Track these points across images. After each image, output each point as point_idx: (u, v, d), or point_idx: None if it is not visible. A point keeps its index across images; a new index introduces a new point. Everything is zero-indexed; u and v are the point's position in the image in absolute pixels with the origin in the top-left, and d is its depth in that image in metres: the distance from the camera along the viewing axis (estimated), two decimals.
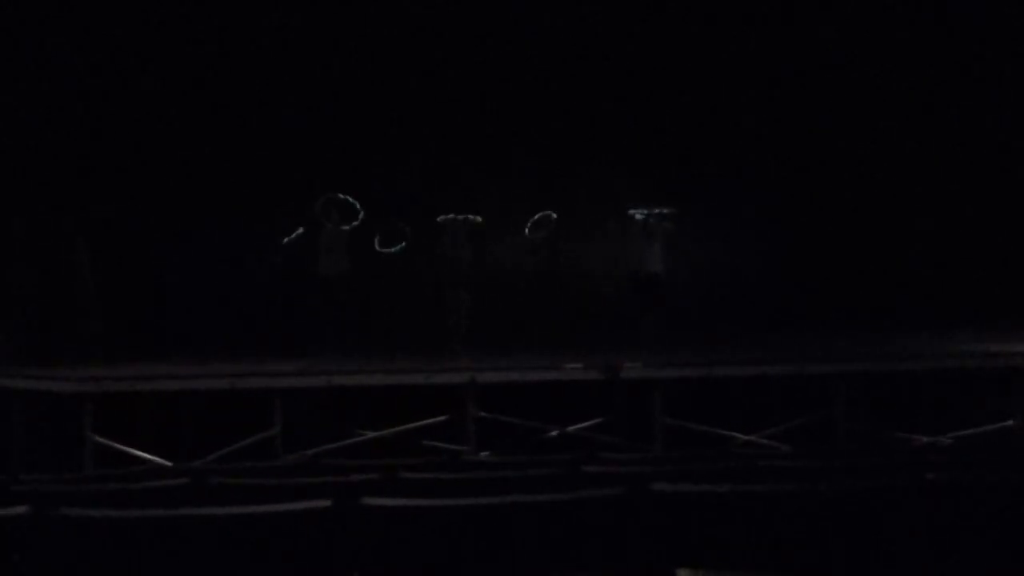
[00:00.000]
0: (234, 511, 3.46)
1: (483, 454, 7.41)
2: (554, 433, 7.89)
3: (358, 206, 11.03)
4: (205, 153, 12.25)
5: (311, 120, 12.51)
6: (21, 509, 3.35)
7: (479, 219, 11.37)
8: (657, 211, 10.91)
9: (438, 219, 11.34)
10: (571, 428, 7.94)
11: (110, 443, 7.32)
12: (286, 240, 10.96)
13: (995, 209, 12.62)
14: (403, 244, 11.63)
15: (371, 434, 7.85)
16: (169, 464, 6.76)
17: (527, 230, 11.77)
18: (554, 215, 11.75)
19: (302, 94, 12.53)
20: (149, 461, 7.14)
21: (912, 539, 3.59)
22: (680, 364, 8.29)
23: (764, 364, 8.18)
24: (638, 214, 10.86)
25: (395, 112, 12.69)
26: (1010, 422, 7.93)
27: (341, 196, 10.93)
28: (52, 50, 11.70)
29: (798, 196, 12.82)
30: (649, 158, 12.86)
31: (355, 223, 11.01)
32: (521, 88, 12.87)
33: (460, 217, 11.23)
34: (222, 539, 3.40)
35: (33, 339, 9.94)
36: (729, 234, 12.59)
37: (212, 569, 3.40)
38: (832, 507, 3.68)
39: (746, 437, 7.86)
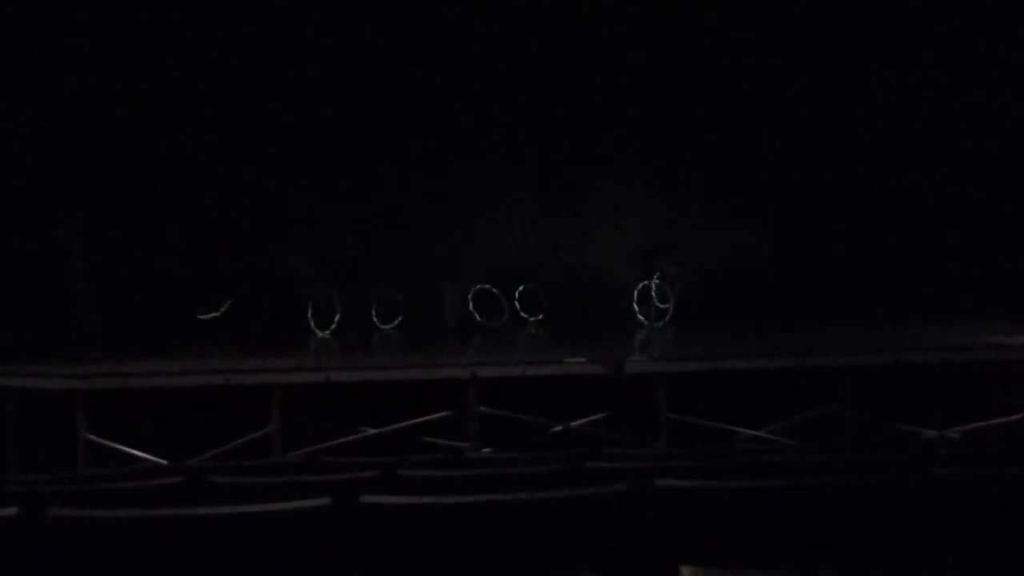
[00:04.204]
0: (231, 510, 3.40)
1: (485, 450, 7.35)
2: (557, 429, 7.83)
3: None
4: (202, 149, 12.20)
5: (311, 119, 12.46)
6: (11, 510, 3.29)
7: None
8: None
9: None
10: (574, 423, 7.89)
11: (103, 441, 7.26)
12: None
13: (1004, 200, 12.57)
14: (399, 319, 11.88)
15: (371, 431, 7.80)
16: (164, 462, 6.71)
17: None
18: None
19: (302, 94, 12.48)
20: (144, 459, 7.09)
21: (920, 534, 3.54)
22: (684, 358, 8.24)
23: (769, 358, 8.13)
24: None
25: (395, 107, 12.65)
26: (1018, 416, 7.89)
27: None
28: (49, 49, 11.63)
29: (805, 187, 12.79)
30: (653, 147, 12.85)
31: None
32: (523, 83, 12.84)
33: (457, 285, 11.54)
34: (219, 539, 3.34)
35: (24, 335, 9.88)
36: (734, 227, 12.58)
37: (209, 570, 3.34)
38: (838, 502, 3.63)
39: (752, 432, 7.82)
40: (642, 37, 12.94)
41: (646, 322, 11.65)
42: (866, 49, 12.83)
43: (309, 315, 11.33)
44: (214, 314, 11.69)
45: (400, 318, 11.87)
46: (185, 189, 12.08)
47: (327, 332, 11.26)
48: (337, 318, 11.35)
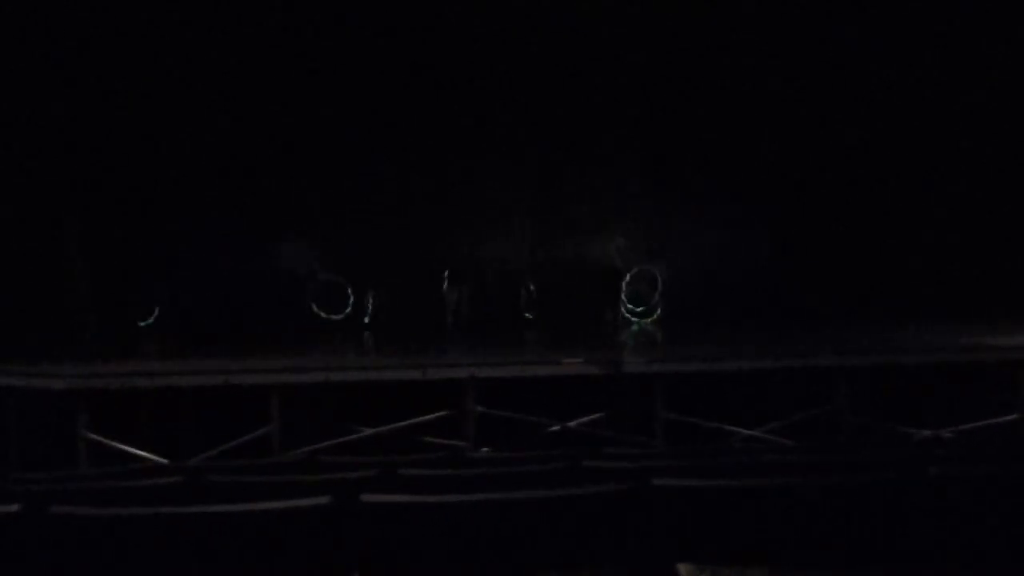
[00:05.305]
0: (231, 509, 3.41)
1: (483, 450, 7.37)
2: (555, 428, 7.85)
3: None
4: (202, 149, 12.21)
5: (311, 119, 12.47)
6: (13, 507, 3.31)
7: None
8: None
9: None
10: (572, 423, 7.90)
11: (104, 440, 7.29)
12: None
13: (998, 203, 12.59)
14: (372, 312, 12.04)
15: (369, 431, 7.82)
16: (165, 462, 6.73)
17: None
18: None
19: (302, 94, 12.48)
20: (144, 459, 7.12)
21: (915, 533, 3.56)
22: (681, 359, 8.26)
23: (766, 358, 8.15)
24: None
25: (395, 107, 12.66)
26: (1013, 416, 7.92)
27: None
28: (49, 49, 11.64)
29: (801, 189, 12.80)
30: (653, 148, 12.86)
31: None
32: (523, 83, 12.85)
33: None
34: (219, 537, 3.35)
35: (24, 335, 9.91)
36: (731, 227, 12.58)
37: (209, 568, 3.35)
38: (834, 501, 3.65)
39: (748, 432, 7.84)
40: (642, 37, 12.94)
41: (633, 313, 11.76)
42: (866, 49, 12.83)
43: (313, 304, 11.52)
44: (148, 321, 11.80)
45: (372, 311, 12.00)
46: (185, 189, 12.09)
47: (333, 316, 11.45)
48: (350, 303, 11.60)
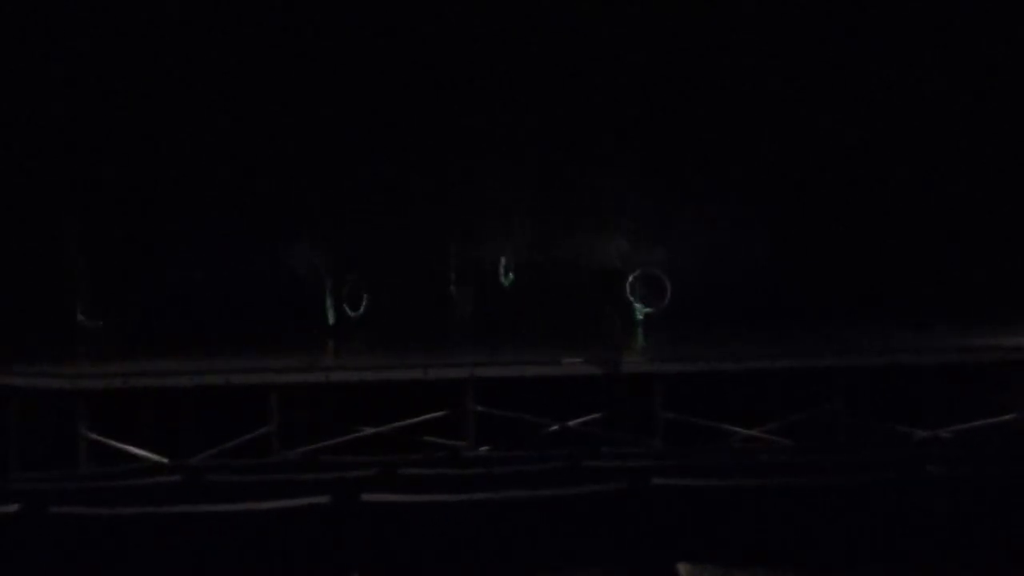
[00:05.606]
0: (230, 508, 3.42)
1: (482, 449, 7.39)
2: (554, 428, 7.86)
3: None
4: (202, 149, 12.21)
5: (311, 119, 12.47)
6: (13, 507, 3.31)
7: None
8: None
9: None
10: (571, 423, 7.91)
11: (104, 440, 7.30)
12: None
13: (998, 203, 12.59)
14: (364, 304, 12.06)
15: (369, 430, 7.83)
16: (164, 461, 6.74)
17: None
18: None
19: (302, 94, 12.48)
20: (144, 458, 7.13)
21: (913, 533, 3.56)
22: (681, 358, 8.27)
23: (765, 358, 8.16)
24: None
25: (395, 107, 12.66)
26: (1010, 416, 7.92)
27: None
28: (49, 49, 11.64)
29: (800, 188, 12.80)
30: (653, 147, 12.86)
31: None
32: (523, 83, 12.85)
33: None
34: (218, 537, 3.36)
35: (24, 335, 9.91)
36: (730, 227, 12.59)
37: (208, 568, 3.36)
38: (833, 501, 3.65)
39: (747, 431, 7.85)
40: (642, 37, 12.94)
41: (639, 311, 11.78)
42: (866, 49, 12.83)
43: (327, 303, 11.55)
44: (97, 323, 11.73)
45: (365, 303, 12.00)
46: (185, 189, 12.09)
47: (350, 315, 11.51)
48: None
